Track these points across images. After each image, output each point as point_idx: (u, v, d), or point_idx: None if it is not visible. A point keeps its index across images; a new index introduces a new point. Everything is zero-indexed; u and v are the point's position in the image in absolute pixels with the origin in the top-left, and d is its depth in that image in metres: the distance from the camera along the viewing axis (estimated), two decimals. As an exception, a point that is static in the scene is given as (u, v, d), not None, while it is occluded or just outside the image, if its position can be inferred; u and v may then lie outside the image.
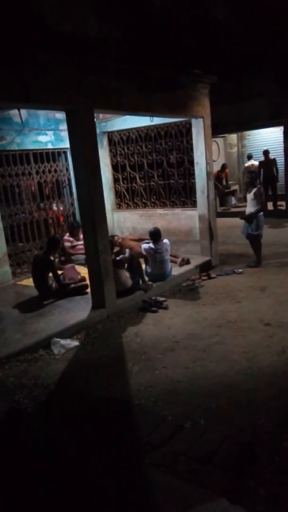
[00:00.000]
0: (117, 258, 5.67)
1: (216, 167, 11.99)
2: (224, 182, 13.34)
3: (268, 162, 11.68)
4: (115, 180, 8.94)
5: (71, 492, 2.52)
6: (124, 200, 8.91)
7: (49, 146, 7.82)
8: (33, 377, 3.97)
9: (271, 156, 11.78)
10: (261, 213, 6.87)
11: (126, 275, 5.81)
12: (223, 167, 13.37)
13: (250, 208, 6.88)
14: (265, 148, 12.28)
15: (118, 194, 9.00)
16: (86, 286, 5.90)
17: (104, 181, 5.48)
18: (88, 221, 5.21)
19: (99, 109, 5.76)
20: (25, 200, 7.60)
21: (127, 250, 5.99)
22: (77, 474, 2.66)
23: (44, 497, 2.51)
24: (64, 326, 4.89)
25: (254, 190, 6.87)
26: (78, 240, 7.63)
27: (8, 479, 2.70)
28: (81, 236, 6.78)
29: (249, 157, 13.10)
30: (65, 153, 8.13)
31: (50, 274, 5.86)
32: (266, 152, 11.74)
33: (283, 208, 11.71)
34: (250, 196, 6.90)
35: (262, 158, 11.90)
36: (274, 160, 11.69)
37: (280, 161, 11.68)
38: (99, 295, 5.32)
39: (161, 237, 6.33)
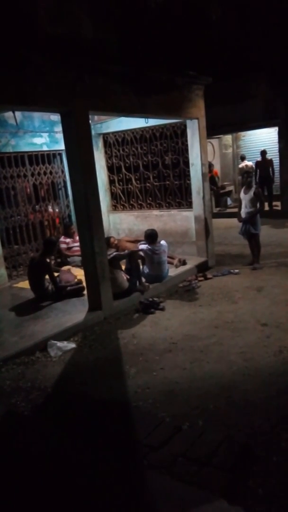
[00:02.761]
0: (110, 255, 5.63)
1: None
2: (218, 182, 13.33)
3: (264, 163, 11.71)
4: (111, 182, 8.93)
5: (70, 494, 2.50)
6: (120, 201, 8.91)
7: (44, 148, 7.81)
8: (30, 380, 3.95)
9: (268, 157, 11.82)
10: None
11: (122, 276, 5.80)
12: (209, 167, 13.32)
13: (247, 208, 6.87)
14: (259, 148, 12.32)
15: (113, 196, 9.00)
16: (82, 288, 5.88)
17: (99, 182, 5.49)
18: (84, 223, 5.20)
19: (94, 111, 5.75)
20: (20, 202, 7.57)
21: (127, 250, 6.00)
22: (75, 476, 2.65)
23: (42, 499, 2.49)
24: (61, 329, 4.88)
25: (253, 190, 6.86)
26: (74, 241, 7.62)
27: (6, 482, 2.68)
28: (77, 237, 6.78)
29: (242, 158, 13.13)
30: (60, 155, 8.12)
31: (47, 277, 5.84)
32: (263, 153, 11.77)
33: (279, 208, 11.75)
34: (246, 196, 6.87)
35: (259, 158, 11.93)
36: (271, 161, 11.72)
37: (275, 161, 11.73)
38: (96, 297, 5.31)
39: (157, 238, 6.33)
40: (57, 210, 8.38)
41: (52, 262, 6.73)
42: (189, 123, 7.02)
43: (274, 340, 4.31)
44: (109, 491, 2.50)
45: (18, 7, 4.33)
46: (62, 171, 8.23)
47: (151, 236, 6.29)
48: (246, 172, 7.45)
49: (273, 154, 11.96)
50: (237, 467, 2.57)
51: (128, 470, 2.68)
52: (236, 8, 9.71)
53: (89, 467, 2.73)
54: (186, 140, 7.22)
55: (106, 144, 8.74)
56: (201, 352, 4.20)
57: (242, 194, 7.00)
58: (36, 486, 2.61)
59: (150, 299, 5.63)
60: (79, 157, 5.00)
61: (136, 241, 7.17)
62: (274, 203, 11.92)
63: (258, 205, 6.84)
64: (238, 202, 7.28)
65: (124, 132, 8.31)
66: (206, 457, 2.66)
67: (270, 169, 11.74)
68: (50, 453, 2.92)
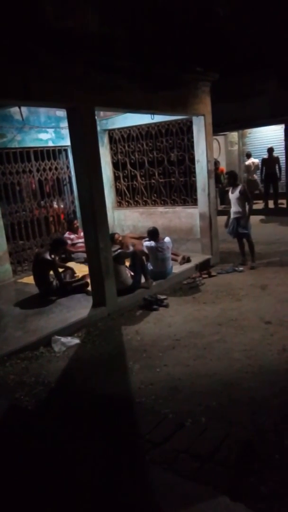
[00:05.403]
0: (115, 252, 5.64)
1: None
2: (223, 180, 13.27)
3: (271, 160, 11.65)
4: (116, 178, 8.93)
5: (72, 489, 2.52)
6: (125, 198, 8.91)
7: (50, 143, 7.81)
8: (34, 375, 3.97)
9: (274, 154, 11.75)
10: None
11: (126, 273, 5.81)
12: (215, 164, 13.26)
13: (235, 207, 6.79)
14: (265, 146, 12.26)
15: (118, 192, 8.99)
16: (87, 284, 5.89)
17: (104, 179, 5.48)
18: (89, 219, 5.21)
19: (100, 107, 5.75)
20: (25, 198, 7.59)
21: (131, 247, 6.00)
22: (78, 471, 2.66)
23: (45, 494, 2.51)
24: (65, 324, 4.89)
25: (239, 189, 6.77)
26: (78, 237, 7.63)
27: (9, 476, 2.70)
28: (81, 233, 6.79)
29: (248, 155, 13.06)
30: (65, 151, 8.11)
31: (51, 272, 5.86)
32: (270, 150, 11.71)
33: (284, 206, 11.70)
34: (234, 196, 6.78)
35: (265, 156, 11.87)
36: (277, 159, 11.66)
37: (282, 159, 11.67)
38: (100, 293, 5.32)
39: (158, 235, 6.34)
40: (62, 206, 8.39)
41: (57, 258, 6.75)
42: (195, 119, 6.99)
43: (278, 338, 4.31)
44: (111, 486, 2.51)
45: (24, 1, 4.31)
46: (68, 167, 8.23)
47: (153, 233, 6.31)
48: (227, 173, 7.36)
49: (279, 152, 11.90)
50: (239, 464, 2.58)
51: (130, 465, 2.69)
52: (244, 4, 9.63)
53: (92, 462, 2.74)
54: (192, 137, 7.19)
55: (112, 140, 8.73)
56: (205, 349, 4.20)
57: (230, 193, 6.92)
58: (38, 479, 2.63)
59: (154, 296, 5.63)
60: (84, 153, 4.99)
61: (141, 238, 7.17)
62: (279, 200, 11.88)
63: (246, 206, 6.73)
64: (231, 201, 7.00)
65: (129, 128, 8.30)
66: (208, 453, 2.67)
67: (277, 167, 11.69)
68: (53, 447, 2.94)
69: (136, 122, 7.98)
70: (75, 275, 6.32)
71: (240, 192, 6.72)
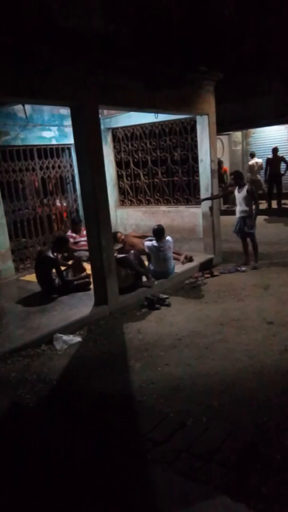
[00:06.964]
0: (118, 256, 5.64)
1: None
2: (226, 179, 13.26)
3: (275, 160, 11.63)
4: (119, 177, 8.93)
5: (73, 487, 2.52)
6: (128, 197, 8.90)
7: (53, 142, 7.81)
8: (36, 372, 3.97)
9: (279, 154, 11.72)
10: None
11: (127, 271, 5.80)
12: (219, 164, 13.26)
13: (242, 207, 6.78)
14: (269, 146, 12.23)
15: (121, 191, 8.99)
16: (89, 283, 5.90)
17: (107, 177, 5.48)
18: (92, 218, 5.20)
19: (104, 105, 5.74)
20: (28, 196, 7.60)
21: (132, 252, 6.02)
22: (79, 469, 2.66)
23: (45, 492, 2.51)
24: (67, 322, 4.90)
25: (246, 188, 6.75)
26: (81, 236, 7.63)
27: (10, 474, 2.70)
28: (84, 232, 6.79)
29: (252, 155, 13.03)
30: (69, 149, 8.12)
31: (54, 270, 5.87)
32: (274, 150, 11.68)
33: (287, 206, 11.69)
34: (240, 195, 6.76)
35: (270, 156, 11.84)
36: (282, 158, 11.62)
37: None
38: (102, 291, 5.32)
39: (164, 235, 6.32)
40: (64, 204, 8.40)
41: (59, 256, 6.76)
42: (199, 119, 6.98)
43: (279, 338, 4.30)
44: (111, 484, 2.51)
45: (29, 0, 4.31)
46: (71, 165, 8.23)
47: (159, 232, 6.28)
48: (232, 173, 7.34)
49: (283, 152, 11.88)
50: (240, 464, 2.58)
51: (131, 464, 2.69)
52: (250, 3, 9.61)
53: (92, 460, 2.74)
54: (196, 136, 7.18)
55: (115, 138, 8.73)
56: (206, 349, 4.20)
57: (236, 193, 6.91)
58: (39, 478, 2.64)
59: (156, 295, 5.63)
60: (88, 151, 4.99)
61: (143, 237, 7.17)
62: (282, 201, 11.86)
63: (253, 205, 6.72)
64: (237, 200, 6.99)
65: (133, 127, 8.29)
66: (209, 453, 2.66)
67: (285, 165, 11.64)
68: (54, 445, 2.94)
69: (140, 121, 7.97)
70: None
71: (247, 191, 6.70)
